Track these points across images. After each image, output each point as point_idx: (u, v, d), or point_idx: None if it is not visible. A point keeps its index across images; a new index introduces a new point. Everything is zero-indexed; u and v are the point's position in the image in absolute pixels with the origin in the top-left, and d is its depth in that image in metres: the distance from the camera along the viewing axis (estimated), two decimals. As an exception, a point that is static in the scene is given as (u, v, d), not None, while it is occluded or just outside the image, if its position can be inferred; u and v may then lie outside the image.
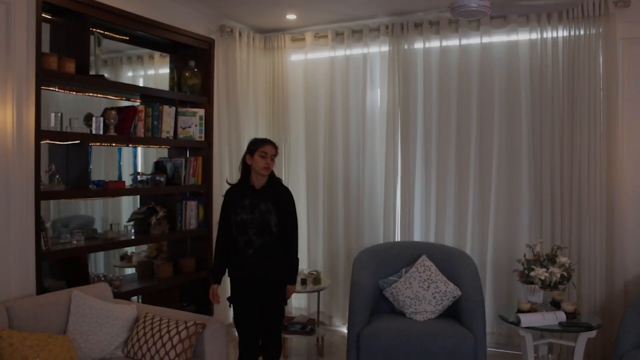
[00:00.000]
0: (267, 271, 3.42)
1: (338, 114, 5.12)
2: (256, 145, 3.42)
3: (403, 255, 4.14)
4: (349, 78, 5.09)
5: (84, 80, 3.72)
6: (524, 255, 3.89)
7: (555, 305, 3.80)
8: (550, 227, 4.35)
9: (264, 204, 3.38)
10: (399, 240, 4.84)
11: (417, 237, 4.80)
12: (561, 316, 3.60)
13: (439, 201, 4.73)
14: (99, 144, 4.10)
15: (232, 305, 3.50)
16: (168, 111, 4.41)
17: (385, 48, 4.97)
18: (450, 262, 4.05)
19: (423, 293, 3.84)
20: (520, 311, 3.70)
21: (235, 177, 5.14)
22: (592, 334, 3.62)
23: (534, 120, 4.46)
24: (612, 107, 4.21)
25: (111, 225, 4.29)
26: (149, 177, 4.42)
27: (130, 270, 4.70)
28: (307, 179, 5.33)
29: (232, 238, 3.45)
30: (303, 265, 4.82)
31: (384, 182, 4.93)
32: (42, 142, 3.44)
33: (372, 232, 5.01)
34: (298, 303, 5.41)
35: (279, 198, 3.45)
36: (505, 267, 4.51)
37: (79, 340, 3.10)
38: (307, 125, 5.33)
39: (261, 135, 5.44)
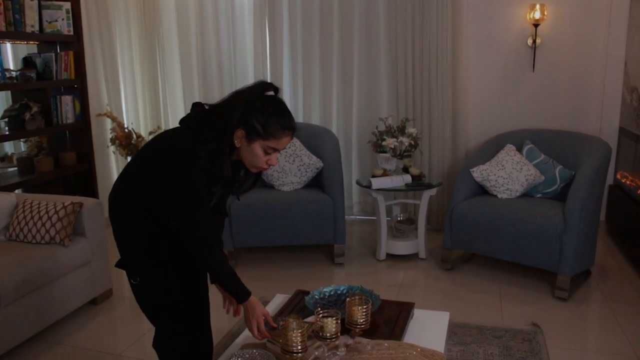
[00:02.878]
0: None
1: (208, 5, 5.20)
2: (267, 129, 1.91)
3: (272, 135, 4.50)
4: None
5: None
6: (376, 128, 4.36)
7: (406, 171, 4.34)
8: (404, 104, 4.82)
9: (236, 184, 2.14)
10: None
11: (287, 119, 5.15)
12: (407, 178, 4.15)
13: (305, 85, 5.07)
14: (-42, 39, 4.04)
15: (142, 278, 2.17)
16: (30, 4, 4.33)
17: (250, -64, 5.04)
18: (314, 138, 4.46)
19: (289, 166, 4.26)
20: (374, 176, 4.21)
21: (112, 71, 5.23)
22: (433, 191, 4.22)
23: (389, 7, 4.78)
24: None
25: (-17, 122, 4.32)
26: (18, 73, 4.41)
27: (11, 170, 4.77)
28: (182, 71, 5.44)
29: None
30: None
31: (253, 67, 5.19)
32: None
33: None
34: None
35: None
36: (366, 142, 4.99)
37: (-40, 228, 3.26)
38: (179, 19, 5.36)
39: (134, 35, 5.41)
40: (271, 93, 1.97)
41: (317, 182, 4.34)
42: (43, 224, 3.30)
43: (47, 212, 3.33)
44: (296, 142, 4.35)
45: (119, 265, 2.22)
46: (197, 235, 1.96)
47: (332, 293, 2.48)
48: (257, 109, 1.90)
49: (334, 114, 5.08)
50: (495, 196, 4.02)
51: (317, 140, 4.44)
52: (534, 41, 4.57)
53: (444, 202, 4.82)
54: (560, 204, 3.77)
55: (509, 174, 4.00)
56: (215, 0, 5.18)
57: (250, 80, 5.23)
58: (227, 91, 5.17)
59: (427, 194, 4.19)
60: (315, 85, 5.06)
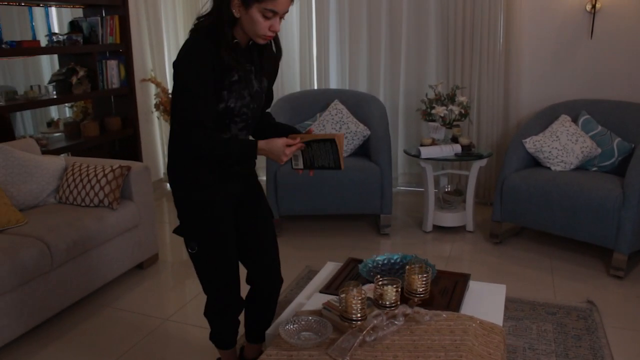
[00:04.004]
0: (254, 175, 2.28)
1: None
2: None
3: (318, 102, 4.43)
4: None
5: None
6: (426, 95, 4.22)
7: (455, 140, 4.20)
8: (453, 71, 4.66)
9: (258, 79, 2.04)
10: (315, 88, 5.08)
11: (333, 85, 5.05)
12: (457, 148, 4.02)
13: (352, 50, 4.94)
14: (6, 2, 4.04)
15: (199, 246, 2.10)
16: (77, -33, 4.32)
17: None
18: (361, 106, 4.37)
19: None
20: (422, 145, 4.10)
21: (156, 36, 5.20)
22: (483, 162, 4.09)
23: (441, -30, 4.62)
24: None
25: (31, 86, 4.33)
26: (65, 37, 4.41)
27: (58, 135, 4.80)
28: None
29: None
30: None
31: (299, 32, 5.06)
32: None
33: (290, 82, 5.19)
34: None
35: (273, 62, 2.10)
36: (415, 110, 4.85)
37: (11, 190, 3.26)
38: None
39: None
40: None
41: (364, 151, 4.25)
42: (92, 187, 3.31)
43: (95, 175, 3.33)
44: (343, 109, 4.26)
45: (177, 231, 2.19)
46: (194, 141, 1.87)
47: (385, 262, 2.42)
48: None
49: (381, 81, 4.95)
50: (549, 168, 3.87)
51: (364, 107, 4.34)
52: (594, 6, 4.34)
53: (492, 174, 4.68)
54: (618, 178, 3.61)
55: (564, 146, 3.84)
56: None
57: (295, 43, 5.12)
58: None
59: (476, 165, 4.07)
60: (363, 50, 4.93)
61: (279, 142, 1.90)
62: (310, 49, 5.04)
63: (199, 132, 1.87)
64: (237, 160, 1.98)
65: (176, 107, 1.90)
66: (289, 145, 1.91)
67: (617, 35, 4.37)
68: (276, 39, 2.04)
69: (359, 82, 4.97)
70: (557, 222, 3.61)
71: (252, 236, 2.23)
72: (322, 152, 1.91)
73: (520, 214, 3.79)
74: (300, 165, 1.96)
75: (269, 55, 2.04)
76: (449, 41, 4.64)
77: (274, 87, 2.04)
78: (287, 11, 1.89)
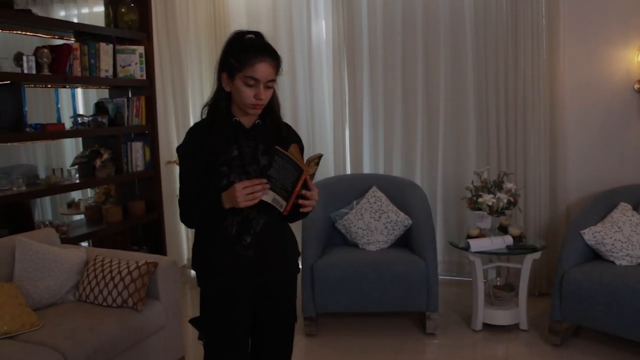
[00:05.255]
0: (277, 270, 2.12)
1: (283, 48, 4.96)
2: (239, 60, 1.90)
3: (353, 188, 4.17)
4: (292, 11, 4.91)
5: (9, 15, 3.47)
6: (472, 182, 3.95)
7: (503, 230, 3.90)
8: (497, 155, 4.41)
9: (268, 155, 1.97)
10: (349, 173, 4.83)
11: (366, 169, 4.81)
12: (508, 240, 3.71)
13: (387, 134, 4.72)
14: (33, 85, 3.90)
15: (205, 338, 2.13)
16: (105, 49, 4.19)
17: (327, -22, 4.81)
18: (400, 192, 4.10)
19: (375, 223, 3.89)
20: (469, 237, 3.80)
21: (183, 116, 5.05)
22: (537, 255, 3.76)
23: (479, 49, 4.45)
24: (554, 33, 4.24)
25: (54, 170, 4.14)
26: (90, 118, 4.24)
27: (78, 218, 4.57)
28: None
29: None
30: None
31: (332, 116, 4.87)
32: (-32, 82, 3.23)
33: (322, 166, 4.98)
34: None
35: (285, 144, 1.92)
36: (454, 196, 4.58)
37: (27, 286, 3.00)
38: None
39: (204, 62, 5.22)
40: (251, 36, 1.98)
41: (405, 242, 3.95)
42: (115, 285, 3.01)
43: (119, 272, 3.04)
44: (382, 197, 3.99)
45: (192, 321, 2.22)
46: (181, 209, 2.04)
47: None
48: (234, 49, 1.95)
49: (417, 165, 4.69)
50: (612, 262, 3.53)
51: (404, 194, 4.07)
52: (642, 86, 4.13)
53: (541, 263, 4.32)
54: (693, 274, 3.27)
55: (628, 238, 3.51)
56: (292, 45, 4.94)
57: (328, 127, 4.94)
58: (303, 138, 4.96)
59: (529, 258, 3.74)
60: (398, 135, 4.70)
61: (236, 185, 1.87)
62: (344, 134, 4.84)
63: (184, 205, 2.02)
64: (212, 217, 1.99)
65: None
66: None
67: (671, 117, 4.13)
68: (288, 131, 2.17)
69: (394, 166, 4.72)
70: (629, 325, 3.22)
71: (267, 340, 2.17)
72: (282, 170, 1.86)
73: (583, 313, 3.42)
74: (282, 202, 1.88)
75: (277, 134, 2.07)
76: (489, 123, 4.43)
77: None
78: (271, 79, 1.95)
